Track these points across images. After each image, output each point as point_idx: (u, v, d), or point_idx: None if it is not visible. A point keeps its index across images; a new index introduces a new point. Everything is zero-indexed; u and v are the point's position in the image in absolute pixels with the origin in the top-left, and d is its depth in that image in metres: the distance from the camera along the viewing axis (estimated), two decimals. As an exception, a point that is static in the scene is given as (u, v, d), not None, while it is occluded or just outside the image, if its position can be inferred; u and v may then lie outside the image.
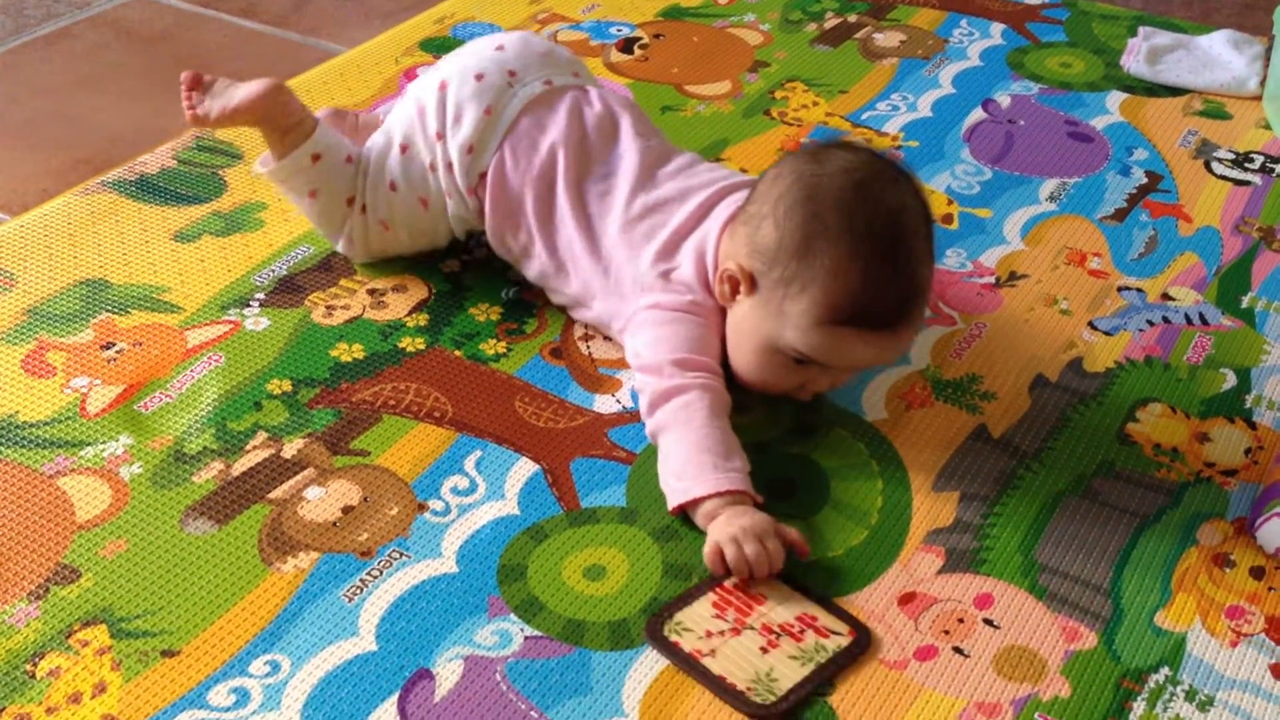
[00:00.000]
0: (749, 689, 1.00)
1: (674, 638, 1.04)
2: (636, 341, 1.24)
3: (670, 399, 1.17)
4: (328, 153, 1.38)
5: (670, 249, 1.27)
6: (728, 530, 1.08)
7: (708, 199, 1.28)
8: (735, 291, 1.21)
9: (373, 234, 1.41)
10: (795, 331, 1.16)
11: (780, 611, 1.06)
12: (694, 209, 1.28)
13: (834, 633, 1.04)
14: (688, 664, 1.02)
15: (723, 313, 1.24)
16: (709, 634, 1.04)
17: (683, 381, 1.18)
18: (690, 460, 1.14)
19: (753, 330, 1.20)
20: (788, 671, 1.01)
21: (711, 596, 1.07)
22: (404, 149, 1.37)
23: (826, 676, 1.01)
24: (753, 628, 1.05)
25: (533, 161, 1.33)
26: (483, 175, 1.34)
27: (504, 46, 1.38)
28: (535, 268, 1.36)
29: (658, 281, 1.26)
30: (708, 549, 1.08)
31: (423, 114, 1.36)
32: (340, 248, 1.44)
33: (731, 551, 1.07)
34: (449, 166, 1.35)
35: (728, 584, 1.08)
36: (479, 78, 1.35)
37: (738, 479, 1.12)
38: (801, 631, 1.04)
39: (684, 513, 1.14)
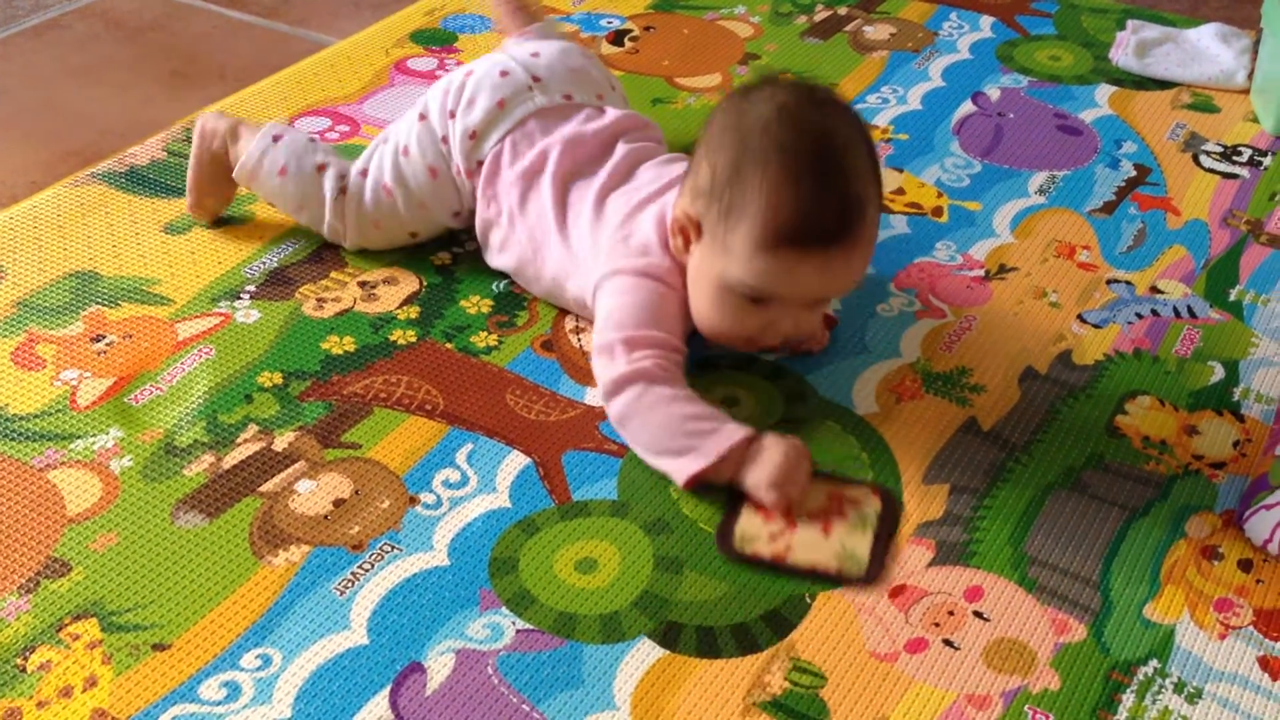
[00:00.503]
0: (840, 567, 1.10)
1: (750, 550, 1.11)
2: (597, 315, 1.25)
3: (622, 390, 1.18)
4: (286, 133, 1.44)
5: (632, 215, 1.28)
6: (758, 479, 1.13)
7: (678, 177, 1.28)
8: (688, 242, 1.21)
9: (368, 203, 1.41)
10: (740, 264, 1.15)
11: (812, 499, 1.15)
12: (663, 185, 1.30)
13: (862, 498, 1.15)
14: (776, 568, 1.10)
15: (683, 272, 1.24)
16: (773, 536, 1.12)
17: (629, 370, 1.18)
18: (673, 438, 1.16)
19: (706, 275, 1.19)
20: (856, 541, 1.12)
21: (750, 506, 1.14)
22: (422, 118, 1.41)
23: (887, 536, 1.12)
24: (802, 519, 1.13)
25: (527, 157, 1.35)
26: (480, 163, 1.37)
27: (539, 54, 1.42)
28: (514, 256, 1.36)
29: (619, 246, 1.26)
30: (767, 502, 1.13)
31: (445, 92, 1.40)
32: (326, 229, 1.43)
33: (773, 498, 1.12)
34: (455, 146, 1.38)
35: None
36: (504, 74, 1.39)
37: (723, 439, 1.14)
38: (841, 508, 1.14)
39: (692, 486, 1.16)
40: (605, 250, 1.27)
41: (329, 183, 1.42)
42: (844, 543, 1.11)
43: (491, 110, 1.37)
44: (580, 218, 1.31)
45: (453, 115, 1.38)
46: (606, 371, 1.20)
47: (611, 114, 1.40)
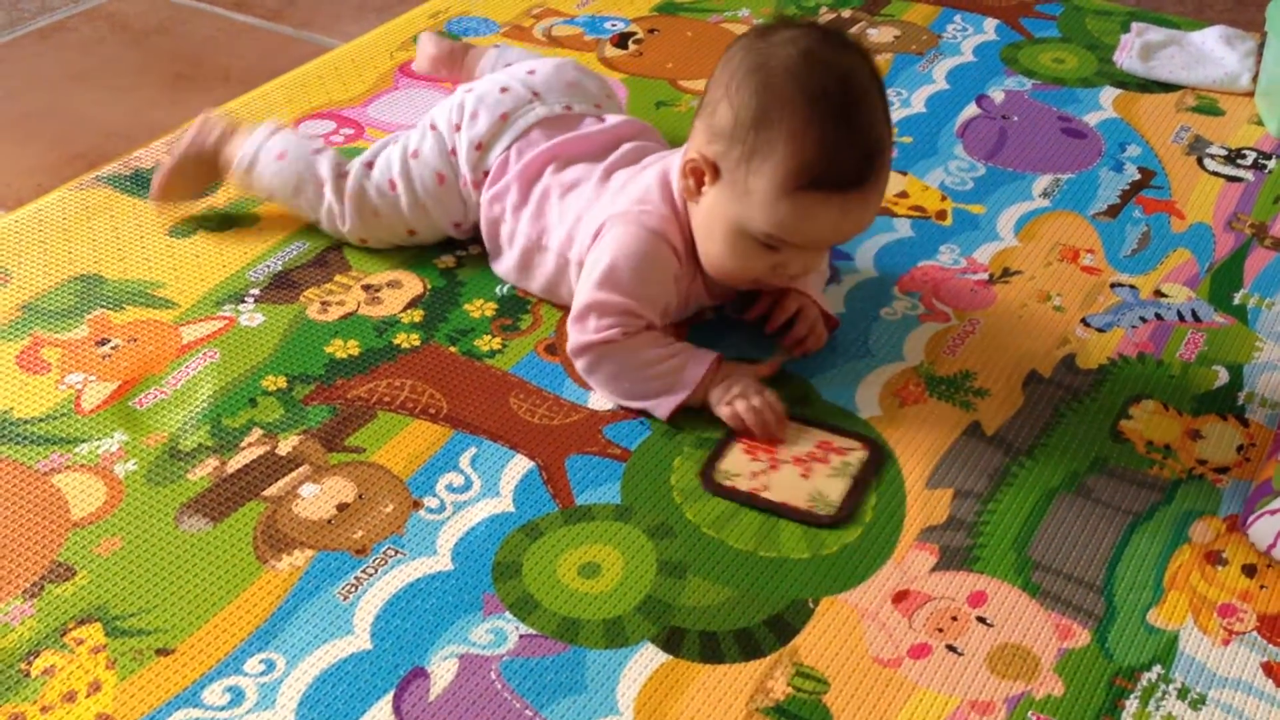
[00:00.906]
0: (810, 507, 1.15)
1: (728, 483, 1.17)
2: (586, 264, 1.28)
3: (583, 355, 1.25)
4: (284, 128, 1.49)
5: (634, 176, 1.31)
6: (725, 399, 1.22)
7: (682, 150, 1.29)
8: (700, 184, 1.22)
9: (370, 193, 1.42)
10: (760, 208, 1.16)
11: (800, 444, 1.22)
12: (666, 155, 1.33)
13: (850, 449, 1.21)
14: (750, 501, 1.16)
15: (680, 220, 1.26)
16: (754, 474, 1.18)
17: (594, 339, 1.24)
18: (643, 384, 1.24)
19: (721, 217, 1.20)
20: (833, 486, 1.17)
21: (740, 445, 1.22)
22: (432, 128, 1.43)
23: (865, 483, 1.17)
24: (785, 461, 1.20)
25: (531, 159, 1.37)
26: (486, 173, 1.39)
27: (535, 71, 1.45)
28: (520, 248, 1.37)
29: (618, 196, 1.29)
30: (725, 418, 1.22)
31: (449, 108, 1.43)
32: (324, 213, 1.44)
33: (728, 412, 1.22)
34: (462, 158, 1.40)
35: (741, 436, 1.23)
36: (504, 90, 1.42)
37: (692, 372, 1.23)
38: (825, 455, 1.20)
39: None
40: (606, 206, 1.29)
41: (327, 163, 1.45)
42: (820, 487, 1.17)
43: (495, 122, 1.39)
44: (583, 192, 1.33)
45: (458, 129, 1.40)
46: (574, 336, 1.26)
47: (613, 120, 1.41)
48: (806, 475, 1.18)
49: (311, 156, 1.45)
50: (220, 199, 1.55)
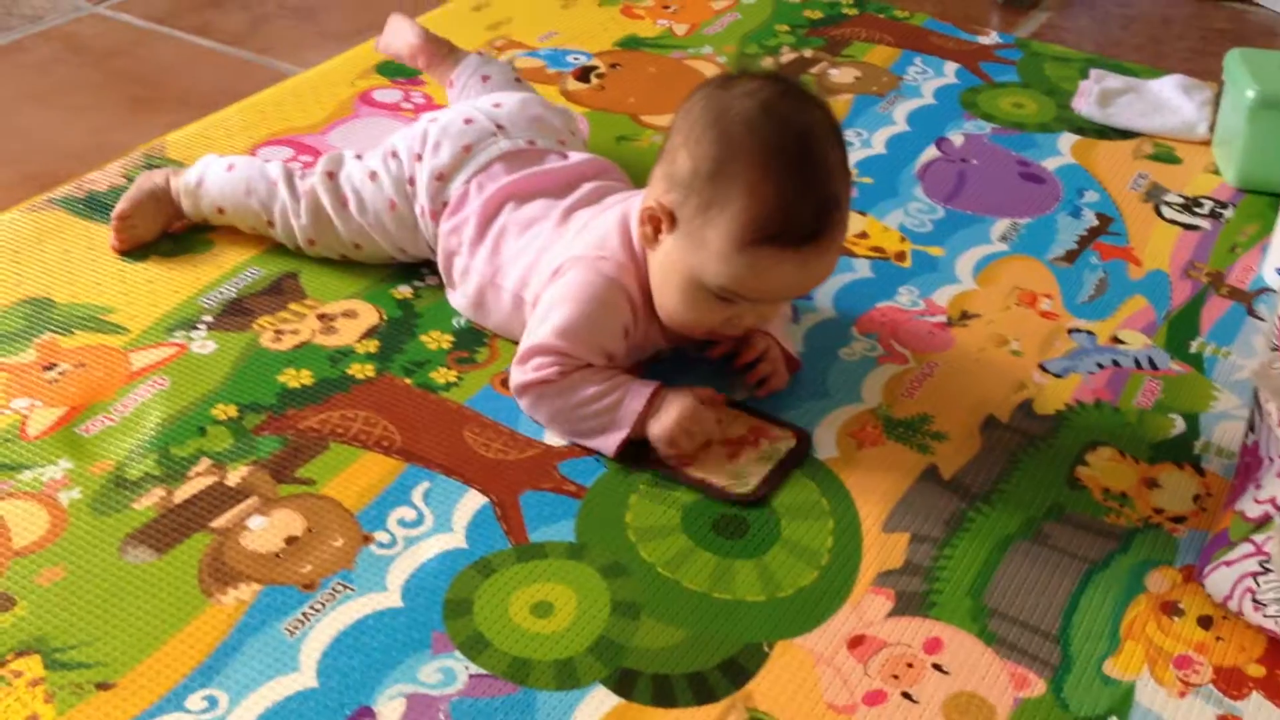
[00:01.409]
0: (728, 485, 1.20)
1: (656, 455, 1.22)
2: (539, 303, 1.27)
3: (523, 396, 1.25)
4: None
5: (594, 218, 1.31)
6: (663, 433, 1.21)
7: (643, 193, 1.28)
8: (658, 232, 1.21)
9: (325, 200, 1.42)
10: (715, 260, 1.16)
11: (734, 428, 1.26)
12: (626, 198, 1.32)
13: (781, 437, 1.25)
14: (674, 474, 1.21)
15: (638, 267, 1.25)
16: (684, 450, 1.22)
17: (531, 379, 1.24)
18: (583, 422, 1.23)
19: (676, 267, 1.20)
20: (755, 468, 1.22)
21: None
22: (393, 155, 1.43)
23: (787, 469, 1.22)
24: (716, 442, 1.24)
25: (491, 192, 1.36)
26: (445, 204, 1.38)
27: (501, 105, 1.46)
28: (474, 283, 1.36)
29: (576, 240, 1.29)
30: (664, 458, 1.22)
31: (412, 137, 1.43)
32: (277, 209, 1.44)
33: (665, 453, 1.22)
34: (420, 187, 1.39)
35: None
36: (468, 121, 1.42)
37: (631, 405, 1.21)
38: (756, 440, 1.25)
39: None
40: (564, 249, 1.28)
41: (278, 167, 1.46)
42: (742, 468, 1.22)
43: (458, 154, 1.39)
44: (541, 232, 1.33)
45: (419, 158, 1.40)
46: (514, 376, 1.26)
47: (576, 157, 1.41)
48: (733, 457, 1.23)
49: (261, 164, 1.47)
50: (174, 224, 1.52)
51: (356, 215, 1.42)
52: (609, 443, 1.22)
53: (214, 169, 1.47)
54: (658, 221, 1.20)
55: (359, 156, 1.45)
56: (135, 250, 1.48)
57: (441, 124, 1.41)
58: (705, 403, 1.24)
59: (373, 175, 1.41)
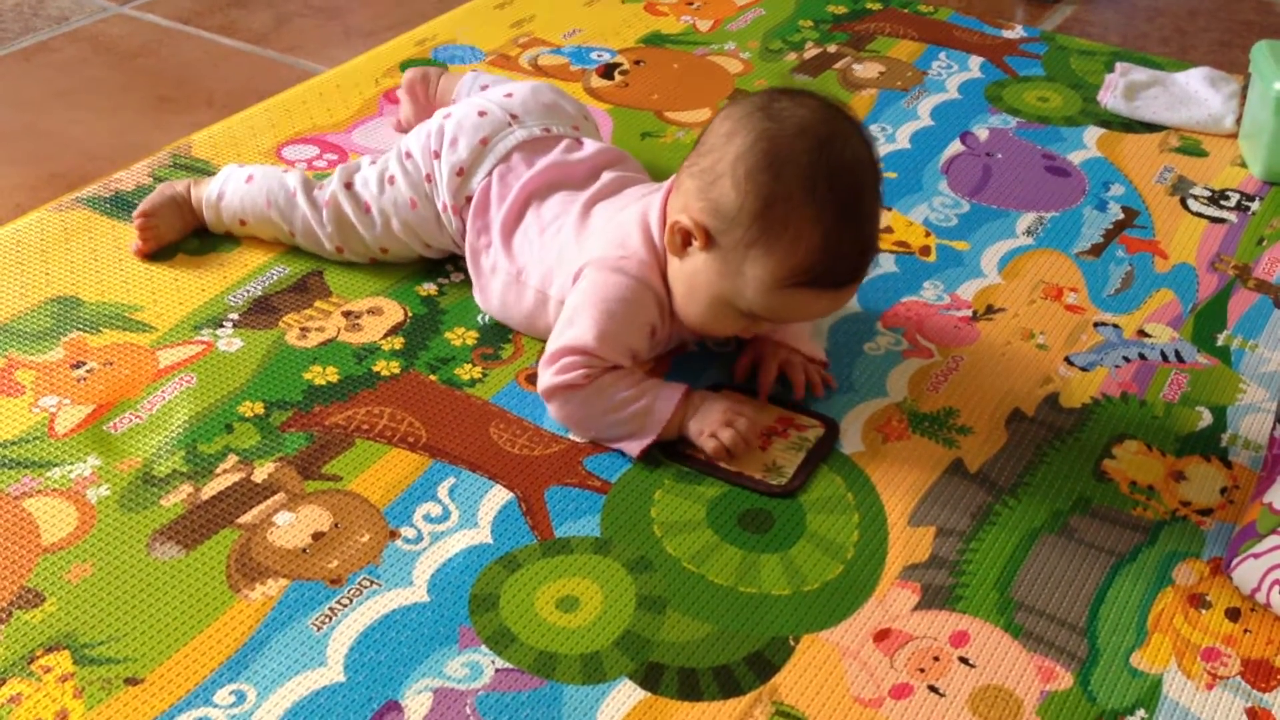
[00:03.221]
0: (764, 476, 1.20)
1: (692, 452, 1.23)
2: (565, 307, 1.27)
3: (551, 399, 1.24)
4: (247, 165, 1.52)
5: (614, 216, 1.31)
6: (708, 430, 1.22)
7: (662, 189, 1.29)
8: (686, 244, 1.21)
9: (346, 208, 1.43)
10: (754, 293, 1.18)
11: (762, 418, 1.26)
12: (645, 193, 1.33)
13: (809, 426, 1.26)
14: (709, 468, 1.21)
15: (659, 263, 1.25)
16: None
17: (558, 382, 1.23)
18: (614, 427, 1.23)
19: (707, 285, 1.21)
20: (788, 459, 1.23)
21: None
22: (408, 155, 1.43)
23: (819, 458, 1.23)
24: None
25: (513, 187, 1.36)
26: (469, 198, 1.38)
27: (512, 94, 1.46)
28: (501, 281, 1.36)
29: (597, 238, 1.29)
30: (709, 450, 1.22)
31: (427, 134, 1.42)
32: (298, 220, 1.44)
33: (713, 445, 1.21)
34: (440, 183, 1.40)
35: None
36: (481, 114, 1.42)
37: (662, 409, 1.22)
38: (784, 430, 1.26)
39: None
40: (587, 247, 1.29)
41: (296, 177, 1.46)
42: (775, 458, 1.22)
43: (475, 147, 1.39)
44: (564, 229, 1.33)
45: (437, 155, 1.40)
46: (542, 378, 1.25)
47: (590, 146, 1.41)
48: (764, 447, 1.23)
49: (280, 174, 1.47)
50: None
51: (379, 219, 1.42)
52: (634, 446, 1.22)
53: (234, 181, 1.48)
54: (689, 236, 1.20)
55: (373, 162, 1.45)
56: (159, 252, 1.48)
57: (456, 119, 1.41)
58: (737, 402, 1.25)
59: (390, 179, 1.42)
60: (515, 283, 1.35)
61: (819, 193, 1.14)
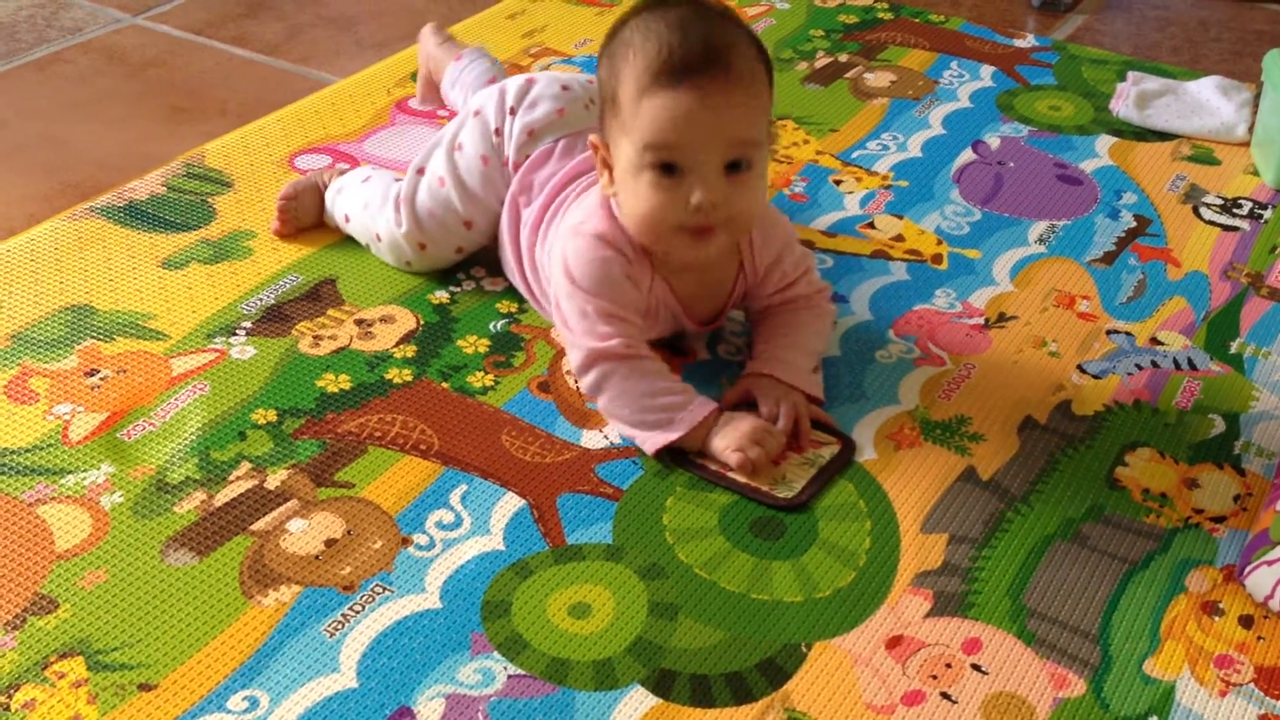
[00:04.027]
0: (771, 488, 1.20)
1: (703, 461, 1.23)
2: (554, 274, 1.29)
3: (591, 368, 1.25)
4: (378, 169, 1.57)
5: (582, 199, 1.34)
6: (735, 445, 1.21)
7: None
8: (608, 169, 1.25)
9: (421, 196, 1.45)
10: (632, 123, 1.19)
11: (783, 440, 1.24)
12: None
13: (825, 443, 1.26)
14: (718, 478, 1.21)
15: (622, 230, 1.26)
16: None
17: (599, 348, 1.24)
18: (645, 412, 1.23)
19: (622, 170, 1.23)
20: (798, 473, 1.22)
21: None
22: (476, 114, 1.45)
23: (831, 474, 1.22)
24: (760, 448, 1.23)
25: (574, 159, 1.40)
26: (528, 156, 1.41)
27: (594, 82, 1.46)
28: (527, 239, 1.39)
29: (565, 222, 1.33)
30: (734, 464, 1.21)
31: (503, 93, 1.45)
32: (383, 228, 1.47)
33: (738, 459, 1.20)
34: (508, 138, 1.43)
35: None
36: (565, 88, 1.46)
37: (695, 412, 1.23)
38: (800, 448, 1.25)
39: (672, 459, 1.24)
40: (564, 226, 1.33)
41: (395, 188, 1.49)
42: (786, 472, 1.22)
43: (552, 115, 1.42)
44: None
45: (513, 112, 1.43)
46: (579, 346, 1.25)
47: None
48: (777, 462, 1.23)
49: (391, 181, 1.50)
50: (214, 231, 1.54)
51: (454, 190, 1.43)
52: (660, 439, 1.22)
53: (353, 180, 1.53)
54: (607, 162, 1.24)
55: (439, 144, 1.48)
56: (294, 233, 1.54)
57: (540, 86, 1.45)
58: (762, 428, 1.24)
59: (459, 146, 1.45)
60: (541, 243, 1.36)
61: (643, 22, 1.21)
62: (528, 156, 1.41)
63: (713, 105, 1.18)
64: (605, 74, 1.23)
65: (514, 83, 1.46)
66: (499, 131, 1.43)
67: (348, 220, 1.52)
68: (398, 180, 1.50)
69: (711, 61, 1.18)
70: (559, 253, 1.29)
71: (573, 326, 1.26)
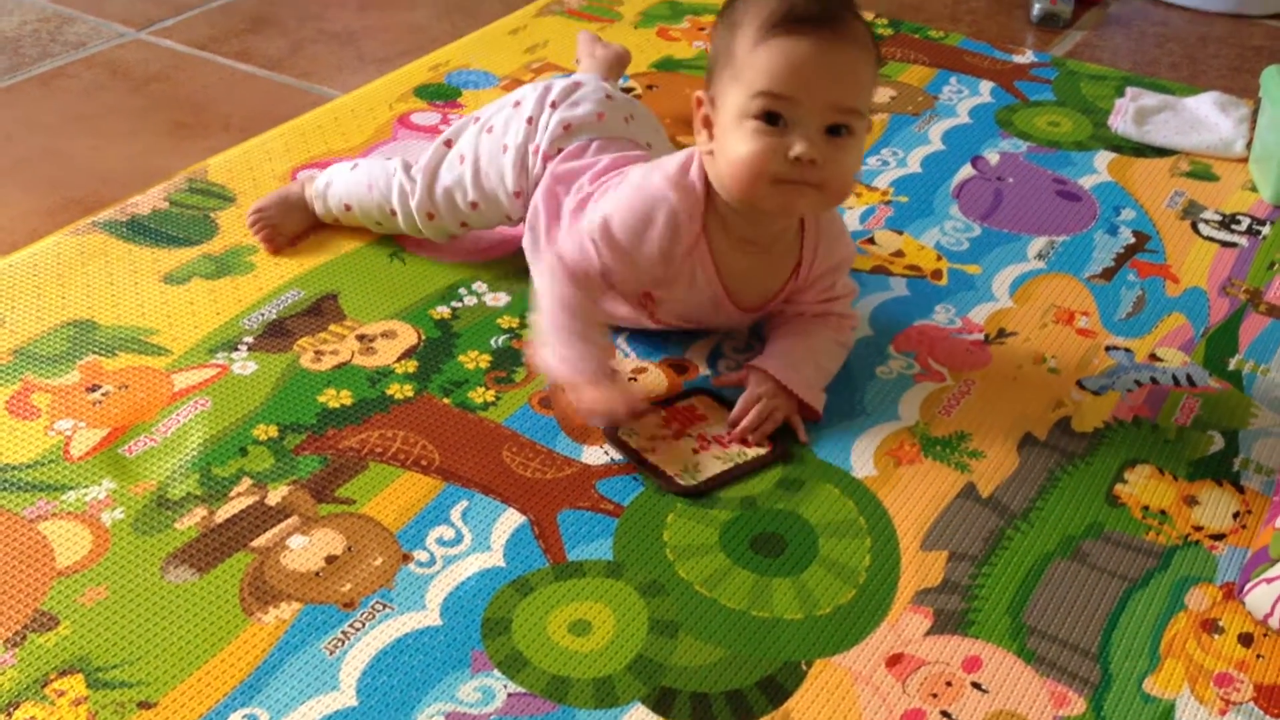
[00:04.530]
0: (677, 474, 1.24)
1: (625, 438, 1.27)
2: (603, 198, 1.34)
3: (551, 271, 1.31)
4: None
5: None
6: (554, 378, 1.30)
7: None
8: (709, 125, 1.25)
9: (441, 169, 1.48)
10: (747, 70, 1.20)
11: (716, 428, 1.30)
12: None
13: (758, 446, 1.27)
14: (634, 456, 1.25)
15: (687, 194, 1.28)
16: (653, 437, 1.28)
17: (563, 254, 1.30)
18: (560, 330, 1.29)
19: (725, 123, 1.22)
20: (710, 466, 1.25)
21: (662, 412, 1.31)
22: (516, 104, 1.48)
23: (740, 474, 1.24)
24: (690, 435, 1.29)
25: (608, 157, 1.41)
26: (561, 150, 1.43)
27: (635, 102, 1.54)
28: (564, 227, 1.40)
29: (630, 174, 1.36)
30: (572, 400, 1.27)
31: (548, 88, 1.48)
32: (395, 200, 1.50)
33: (564, 399, 1.29)
34: (542, 128, 1.45)
35: (679, 404, 1.32)
36: (609, 97, 1.49)
37: (577, 365, 1.27)
38: (729, 443, 1.28)
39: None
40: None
41: (398, 161, 1.53)
42: (700, 463, 1.25)
43: (591, 116, 1.45)
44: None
45: (554, 106, 1.45)
46: (552, 252, 1.32)
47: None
48: (698, 451, 1.27)
49: (383, 161, 1.54)
50: (216, 246, 1.54)
51: (469, 169, 1.46)
52: (548, 354, 1.29)
53: (340, 172, 1.55)
54: (707, 117, 1.25)
55: (476, 119, 1.50)
56: (284, 244, 1.55)
57: (586, 90, 1.47)
58: (632, 413, 1.28)
59: (489, 129, 1.47)
60: (572, 226, 1.37)
61: None
62: (560, 150, 1.42)
63: (826, 59, 1.20)
64: (722, 30, 1.24)
65: (560, 81, 1.49)
66: (532, 120, 1.44)
67: (348, 209, 1.53)
68: (388, 159, 1.53)
69: (831, 17, 1.20)
70: (621, 182, 1.33)
71: (565, 247, 1.31)
